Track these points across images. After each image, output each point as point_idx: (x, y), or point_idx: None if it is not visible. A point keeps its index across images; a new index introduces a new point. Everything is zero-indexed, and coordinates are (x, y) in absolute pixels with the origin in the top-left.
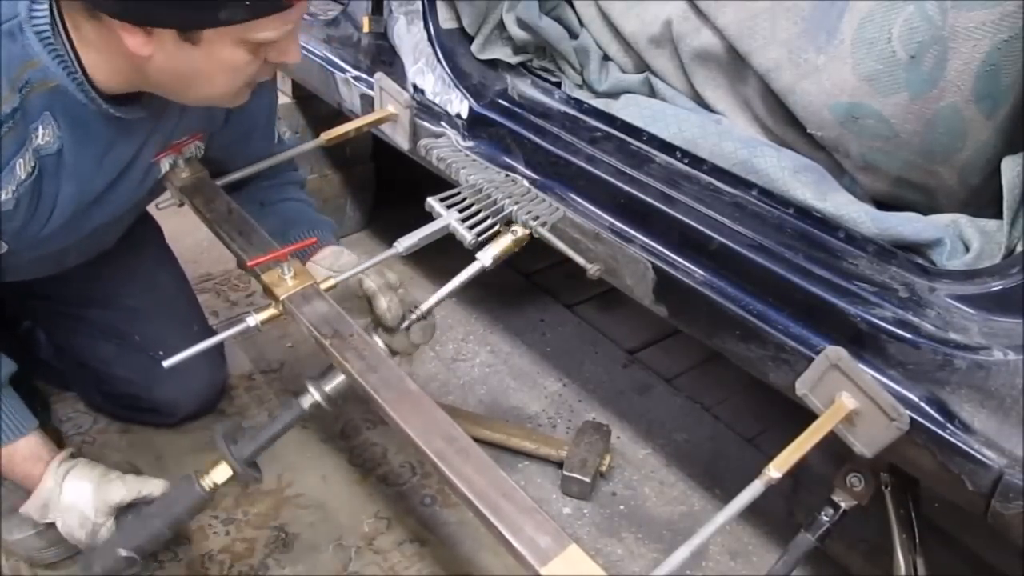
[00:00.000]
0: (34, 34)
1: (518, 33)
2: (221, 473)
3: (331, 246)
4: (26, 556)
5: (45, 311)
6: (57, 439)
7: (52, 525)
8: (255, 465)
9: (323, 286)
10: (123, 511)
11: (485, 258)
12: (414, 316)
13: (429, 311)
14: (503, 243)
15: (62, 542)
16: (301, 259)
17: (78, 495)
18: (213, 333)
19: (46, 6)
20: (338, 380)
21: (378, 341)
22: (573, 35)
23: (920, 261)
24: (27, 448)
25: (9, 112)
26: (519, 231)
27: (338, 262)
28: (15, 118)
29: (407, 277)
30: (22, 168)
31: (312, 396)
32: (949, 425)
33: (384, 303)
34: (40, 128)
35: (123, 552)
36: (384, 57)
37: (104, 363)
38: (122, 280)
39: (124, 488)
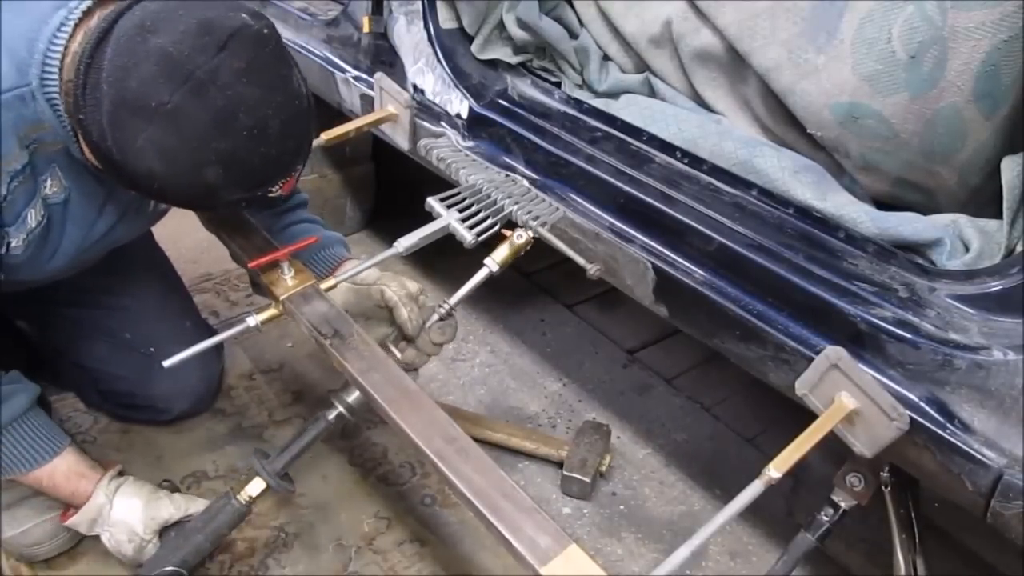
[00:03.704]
0: (46, 101)
1: (518, 33)
2: (256, 487)
3: (351, 261)
4: (16, 554)
5: (38, 314)
6: None
7: (43, 522)
8: (287, 477)
9: (323, 286)
10: (166, 527)
11: (492, 265)
12: (435, 316)
13: (452, 310)
14: (506, 249)
15: (49, 539)
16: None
17: (128, 512)
18: (208, 328)
19: (56, 79)
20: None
21: (396, 353)
22: (573, 35)
23: (920, 261)
24: (65, 465)
25: (20, 168)
26: (524, 235)
27: (358, 276)
28: (25, 173)
29: (408, 278)
30: (32, 218)
31: (337, 408)
32: (949, 425)
33: (405, 313)
34: (48, 179)
35: (170, 568)
36: (384, 57)
37: (98, 362)
38: (112, 280)
39: (172, 506)
